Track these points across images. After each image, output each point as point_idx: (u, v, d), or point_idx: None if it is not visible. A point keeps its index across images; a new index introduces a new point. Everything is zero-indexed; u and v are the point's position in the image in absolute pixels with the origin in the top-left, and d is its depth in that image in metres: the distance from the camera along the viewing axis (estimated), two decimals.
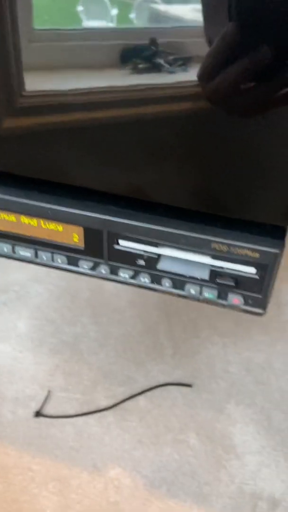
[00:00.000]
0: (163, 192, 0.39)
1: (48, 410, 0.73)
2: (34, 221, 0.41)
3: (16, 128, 0.40)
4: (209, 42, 0.34)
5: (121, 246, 0.41)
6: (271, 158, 0.36)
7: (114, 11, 0.38)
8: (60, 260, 0.44)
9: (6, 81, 0.41)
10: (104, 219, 0.39)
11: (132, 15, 0.37)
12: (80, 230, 0.40)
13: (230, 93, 0.34)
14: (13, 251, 0.44)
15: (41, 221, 0.41)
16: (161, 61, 0.37)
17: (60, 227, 0.41)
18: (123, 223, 0.39)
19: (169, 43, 0.37)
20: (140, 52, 0.38)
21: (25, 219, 0.41)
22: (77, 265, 0.44)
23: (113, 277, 0.43)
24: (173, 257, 0.41)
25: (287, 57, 0.31)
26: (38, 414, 0.72)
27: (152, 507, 0.62)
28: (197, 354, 0.83)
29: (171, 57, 0.37)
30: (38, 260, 0.44)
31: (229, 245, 0.38)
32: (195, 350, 0.83)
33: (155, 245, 0.40)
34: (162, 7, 0.35)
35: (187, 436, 0.69)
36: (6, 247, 0.44)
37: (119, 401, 0.74)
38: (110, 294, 0.95)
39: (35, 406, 0.73)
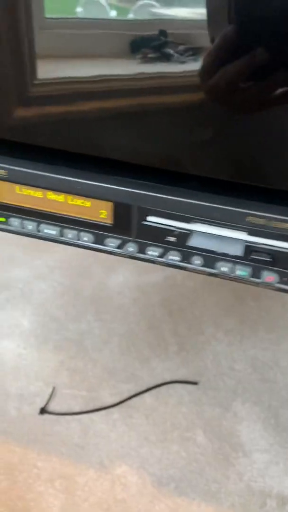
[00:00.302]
0: (197, 163, 0.38)
1: (53, 407, 0.72)
2: (61, 197, 0.40)
3: (42, 99, 0.40)
4: (212, 41, 0.34)
5: (151, 222, 0.40)
6: None
7: (113, 13, 0.38)
8: (86, 238, 0.42)
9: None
10: (135, 193, 0.38)
11: (130, 15, 0.37)
12: (109, 205, 0.39)
13: (228, 90, 0.35)
14: (38, 230, 0.43)
15: (68, 197, 0.40)
16: (171, 51, 0.37)
17: (87, 203, 0.40)
18: (154, 196, 0.38)
19: (178, 34, 0.37)
20: (149, 42, 0.37)
21: (51, 195, 0.40)
22: (103, 244, 0.42)
23: (141, 255, 0.42)
24: (205, 233, 0.40)
25: (282, 58, 0.32)
26: (43, 411, 0.71)
27: (160, 505, 0.61)
28: (202, 351, 0.82)
29: (181, 47, 0.37)
30: (63, 239, 0.43)
31: (267, 218, 0.37)
32: (200, 347, 0.83)
33: (187, 220, 0.39)
34: (161, 11, 0.36)
35: (194, 434, 0.69)
36: (31, 225, 0.43)
37: (125, 398, 0.73)
38: (114, 292, 0.94)
39: (40, 403, 0.72)
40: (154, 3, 0.36)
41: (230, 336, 0.85)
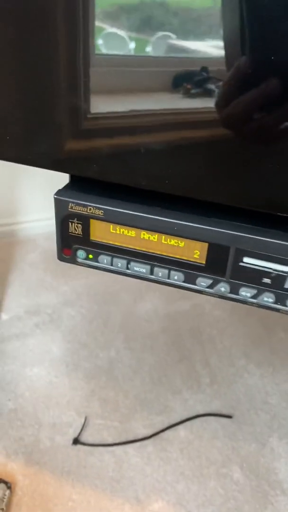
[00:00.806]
0: None
1: (86, 437, 0.71)
2: (154, 237, 0.40)
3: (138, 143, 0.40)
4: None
5: (248, 263, 0.40)
6: None
7: (132, 45, 0.39)
8: (176, 277, 0.42)
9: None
10: (235, 235, 0.38)
11: (148, 49, 0.38)
12: (204, 246, 0.39)
13: (242, 120, 0.36)
14: (127, 267, 0.43)
15: (162, 237, 0.40)
16: (212, 86, 0.38)
17: (181, 243, 0.40)
18: (255, 239, 0.38)
19: (219, 70, 0.37)
20: (192, 77, 0.38)
21: (145, 235, 0.40)
22: (194, 283, 0.42)
23: (233, 295, 0.41)
24: None
25: None
26: (76, 441, 0.70)
27: None
28: (234, 383, 0.81)
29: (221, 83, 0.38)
30: (153, 277, 0.43)
31: None
32: (231, 379, 0.82)
33: (286, 263, 0.39)
34: (178, 42, 0.36)
35: (231, 470, 0.68)
36: (120, 263, 0.43)
37: (158, 430, 0.72)
38: (142, 320, 0.94)
39: (73, 433, 0.71)
40: (171, 34, 0.37)
41: (262, 368, 0.84)
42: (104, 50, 0.40)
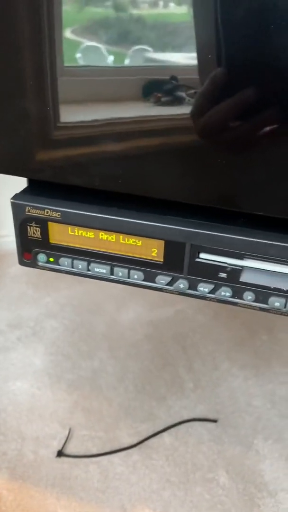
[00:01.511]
0: (249, 201, 0.39)
1: (70, 449, 0.70)
2: (112, 237, 0.41)
3: (77, 140, 0.40)
4: (202, 83, 0.36)
5: (203, 259, 0.40)
6: None
7: (111, 58, 0.39)
8: (136, 276, 0.43)
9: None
10: (189, 231, 0.39)
11: (126, 61, 0.39)
12: (161, 244, 0.40)
13: (218, 130, 0.36)
14: (88, 269, 0.43)
15: (120, 236, 0.41)
16: (183, 94, 0.39)
17: (139, 242, 0.40)
18: (209, 234, 0.39)
19: (188, 78, 0.38)
20: (162, 86, 0.39)
21: (103, 235, 0.41)
22: (153, 281, 0.43)
23: (191, 292, 0.42)
24: (258, 268, 0.40)
25: (269, 99, 0.34)
26: (60, 453, 0.70)
27: None
28: (218, 387, 0.81)
29: (191, 91, 0.38)
30: (113, 277, 0.43)
31: None
32: (215, 383, 0.82)
33: (240, 257, 0.40)
34: (155, 55, 0.37)
35: (217, 474, 0.67)
36: (81, 265, 0.43)
37: (143, 438, 0.72)
38: (125, 328, 0.93)
39: (57, 446, 0.71)
40: (147, 48, 0.38)
41: (245, 371, 0.84)
42: (80, 62, 0.40)
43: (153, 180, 0.39)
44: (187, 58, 0.37)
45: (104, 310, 0.98)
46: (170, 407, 0.77)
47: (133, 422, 0.75)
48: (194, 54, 0.36)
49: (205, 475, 0.67)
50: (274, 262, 0.39)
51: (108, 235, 0.41)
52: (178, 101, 0.38)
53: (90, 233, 0.41)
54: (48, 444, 0.71)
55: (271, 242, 0.38)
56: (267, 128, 0.36)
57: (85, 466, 0.68)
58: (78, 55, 0.40)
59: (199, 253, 0.40)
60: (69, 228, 0.41)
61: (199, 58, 0.36)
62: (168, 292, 0.43)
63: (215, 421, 0.74)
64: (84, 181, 0.41)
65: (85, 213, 0.40)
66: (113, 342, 0.90)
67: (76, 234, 0.41)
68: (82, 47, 0.40)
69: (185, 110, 0.38)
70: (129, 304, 0.99)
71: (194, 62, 0.36)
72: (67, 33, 0.40)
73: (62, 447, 0.70)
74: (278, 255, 0.38)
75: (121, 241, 0.41)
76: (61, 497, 0.64)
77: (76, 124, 0.42)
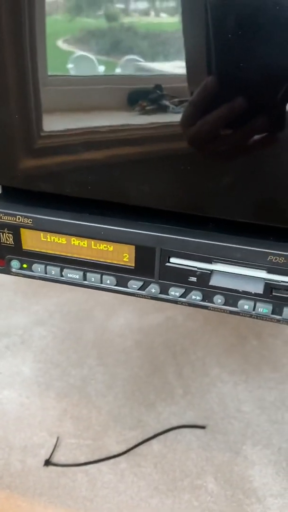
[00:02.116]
0: (217, 206, 0.39)
1: (58, 458, 0.70)
2: (84, 242, 0.41)
3: (57, 149, 0.41)
4: (191, 93, 0.37)
5: (173, 263, 0.41)
6: None
7: (101, 68, 0.40)
8: (109, 281, 0.43)
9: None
10: (158, 236, 0.40)
11: (118, 70, 0.39)
12: (132, 249, 0.40)
13: (208, 138, 0.37)
14: (61, 274, 0.44)
15: (92, 242, 0.41)
16: (167, 102, 0.39)
17: (110, 247, 0.41)
18: (178, 239, 0.39)
19: (172, 87, 0.38)
20: (146, 95, 0.39)
21: (75, 241, 0.41)
22: (126, 286, 0.43)
23: (163, 296, 0.43)
24: (226, 272, 0.41)
25: (260, 107, 0.34)
26: (48, 462, 0.69)
27: None
28: (207, 393, 0.81)
29: (176, 99, 0.39)
30: (86, 283, 0.44)
31: (286, 257, 0.38)
32: (205, 389, 0.81)
33: (209, 261, 0.40)
34: (146, 65, 0.38)
35: (205, 481, 0.67)
36: (54, 270, 0.43)
37: (132, 446, 0.71)
38: (115, 335, 0.93)
39: (44, 454, 0.70)
40: (138, 58, 0.38)
41: (235, 376, 0.84)
42: (68, 71, 0.41)
43: (126, 187, 0.40)
44: (176, 67, 0.37)
45: (94, 317, 0.97)
46: (160, 414, 0.77)
47: (122, 430, 0.74)
48: (183, 63, 0.36)
49: (194, 482, 0.67)
50: (242, 266, 0.40)
51: (80, 241, 0.41)
52: (163, 110, 0.39)
53: (62, 239, 0.41)
54: (36, 453, 0.70)
55: (237, 246, 0.39)
56: (253, 136, 0.36)
57: (73, 474, 0.68)
58: (69, 65, 0.41)
59: (169, 257, 0.41)
60: (42, 234, 0.41)
61: (188, 67, 0.36)
62: (140, 297, 0.44)
63: (203, 427, 0.74)
64: (58, 188, 0.41)
65: (56, 219, 0.41)
66: (103, 349, 0.89)
67: (49, 240, 0.42)
68: (72, 57, 0.40)
69: (168, 118, 0.39)
70: (119, 311, 0.99)
71: (183, 71, 0.36)
72: (55, 42, 0.40)
73: (50, 456, 0.70)
74: (245, 258, 0.39)
75: (93, 246, 0.41)
76: (48, 506, 0.64)
77: (56, 133, 0.42)
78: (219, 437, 0.73)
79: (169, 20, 0.36)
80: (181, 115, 0.38)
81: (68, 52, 0.40)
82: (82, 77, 0.42)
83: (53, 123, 0.43)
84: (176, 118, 0.38)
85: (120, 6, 0.37)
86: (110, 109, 0.41)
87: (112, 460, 0.70)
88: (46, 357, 0.87)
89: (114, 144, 0.40)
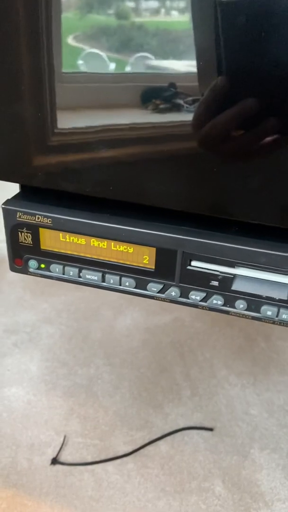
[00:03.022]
0: (242, 209, 0.39)
1: (65, 457, 0.70)
2: (104, 243, 0.41)
3: (75, 147, 0.40)
4: (202, 94, 0.36)
5: (195, 266, 0.40)
6: None
7: (112, 65, 0.39)
8: (128, 283, 0.42)
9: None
10: (181, 239, 0.39)
11: (127, 68, 0.38)
12: (152, 251, 0.40)
13: (220, 139, 0.36)
14: (79, 275, 0.43)
15: (112, 243, 0.41)
16: (181, 101, 0.38)
17: (130, 249, 0.40)
18: (200, 242, 0.38)
19: (187, 86, 0.38)
20: (160, 93, 0.39)
21: (95, 242, 0.40)
22: (145, 288, 0.42)
23: (183, 299, 0.42)
24: (249, 277, 0.40)
25: (272, 107, 0.33)
26: (54, 461, 0.69)
27: None
28: (215, 395, 0.80)
29: (190, 98, 0.38)
30: (105, 284, 0.43)
31: None
32: (213, 391, 0.81)
33: (231, 265, 0.39)
34: (156, 62, 0.37)
35: (212, 484, 0.66)
36: (72, 271, 0.43)
37: (139, 446, 0.71)
38: (122, 335, 0.93)
39: (51, 453, 0.70)
40: (149, 55, 0.38)
41: (243, 379, 0.84)
42: (81, 69, 0.40)
43: (147, 187, 0.39)
44: (187, 65, 0.37)
45: (102, 317, 0.97)
46: (167, 415, 0.76)
47: (129, 430, 0.74)
48: (194, 62, 0.36)
49: (201, 484, 0.66)
50: (266, 271, 0.39)
51: (99, 242, 0.40)
52: (176, 109, 0.38)
53: (81, 240, 0.41)
54: (43, 451, 0.70)
55: (261, 250, 0.38)
56: (268, 138, 0.35)
57: (80, 474, 0.67)
58: (79, 61, 0.40)
59: (190, 260, 0.40)
60: (61, 235, 0.41)
61: (199, 66, 0.36)
62: (160, 300, 0.43)
63: (211, 429, 0.74)
64: (77, 187, 0.40)
65: (76, 219, 0.40)
66: (110, 349, 0.89)
67: (68, 240, 0.41)
68: (83, 54, 0.40)
69: (183, 117, 0.38)
70: (127, 311, 0.99)
71: (194, 70, 0.36)
72: (67, 39, 0.40)
73: (57, 455, 0.70)
74: (269, 263, 0.38)
75: (112, 248, 0.41)
76: (54, 506, 0.63)
77: (72, 131, 0.42)
78: (226, 439, 0.73)
79: (180, 18, 0.35)
80: (193, 116, 0.37)
81: (79, 49, 0.40)
82: (96, 75, 0.41)
83: (67, 121, 0.43)
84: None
85: (130, 4, 0.36)
86: (124, 107, 0.41)
87: (118, 461, 0.69)
88: (54, 355, 0.87)
89: (131, 143, 0.39)
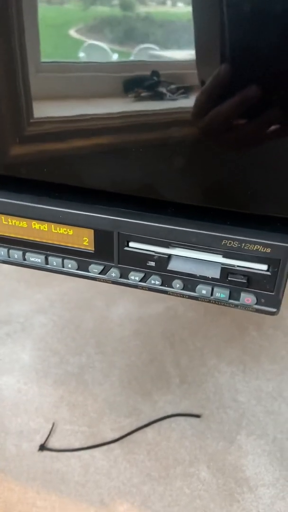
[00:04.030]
0: (172, 190, 0.40)
1: (53, 443, 0.71)
2: (45, 226, 0.42)
3: (37, 137, 0.41)
4: (201, 83, 0.35)
5: (132, 247, 0.41)
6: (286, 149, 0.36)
7: (115, 56, 0.39)
8: (70, 265, 0.43)
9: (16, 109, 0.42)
10: (115, 220, 0.40)
11: (131, 58, 0.38)
12: (91, 233, 0.41)
13: (222, 129, 0.36)
14: (24, 258, 0.44)
15: (52, 226, 0.41)
16: (163, 90, 0.38)
17: (70, 231, 0.41)
18: (134, 223, 0.39)
19: (170, 74, 0.38)
20: (142, 82, 0.39)
21: (36, 224, 0.41)
22: (87, 270, 0.43)
23: (123, 280, 0.43)
24: (183, 256, 0.41)
25: (275, 96, 0.33)
26: (42, 447, 0.70)
27: None
28: (204, 383, 0.81)
29: (173, 86, 0.38)
30: (48, 266, 0.44)
31: (240, 241, 0.38)
32: (202, 379, 0.81)
33: (166, 245, 0.40)
34: (161, 53, 0.37)
35: (198, 469, 0.67)
36: (16, 254, 0.44)
37: (126, 433, 0.72)
38: (114, 324, 0.94)
39: (39, 440, 0.71)
40: (153, 46, 0.37)
41: (233, 367, 0.84)
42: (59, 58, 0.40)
43: (92, 172, 0.40)
44: (186, 54, 0.36)
45: (94, 307, 0.98)
46: (155, 402, 0.77)
47: (117, 417, 0.75)
48: (193, 51, 0.35)
49: (186, 469, 0.67)
50: (199, 250, 0.40)
51: (40, 224, 0.41)
52: (159, 97, 0.38)
53: (23, 223, 0.42)
54: (32, 438, 0.71)
55: (193, 230, 0.39)
56: (269, 127, 0.35)
57: (67, 460, 0.68)
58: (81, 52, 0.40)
59: (128, 242, 0.41)
60: (2, 218, 0.42)
61: (199, 54, 0.35)
62: (101, 281, 0.44)
63: (198, 416, 0.74)
64: (29, 174, 0.41)
65: (16, 202, 0.41)
66: (102, 338, 0.90)
67: (10, 223, 0.42)
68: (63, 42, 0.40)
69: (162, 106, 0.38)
70: (119, 301, 0.99)
71: (193, 58, 0.36)
72: (43, 29, 0.40)
73: (45, 441, 0.71)
74: (201, 242, 0.39)
75: (53, 230, 0.41)
76: (41, 490, 0.64)
77: (54, 119, 0.42)
78: (213, 426, 0.73)
79: (180, 3, 0.35)
80: (193, 105, 0.37)
81: (59, 37, 0.40)
82: (75, 64, 0.41)
83: (46, 110, 0.43)
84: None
85: None
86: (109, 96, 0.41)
87: (106, 447, 0.70)
88: (46, 345, 0.88)
89: (85, 134, 0.40)
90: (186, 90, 0.37)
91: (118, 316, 0.95)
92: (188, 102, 0.37)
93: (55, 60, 0.43)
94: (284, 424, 0.73)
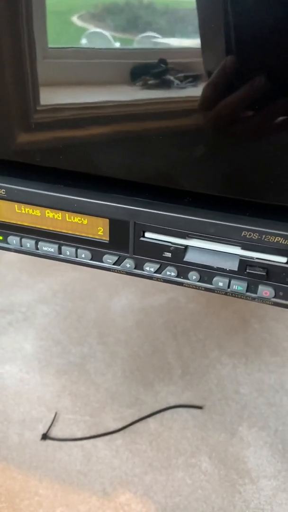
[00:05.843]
0: (192, 180, 0.39)
1: (55, 432, 0.71)
2: (59, 215, 0.41)
3: (45, 124, 0.40)
4: (208, 74, 0.35)
5: (147, 238, 0.40)
6: None
7: (117, 44, 0.39)
8: (84, 255, 0.43)
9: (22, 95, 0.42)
10: (131, 209, 0.39)
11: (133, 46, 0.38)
12: (106, 222, 0.40)
13: (230, 120, 0.35)
14: (37, 247, 0.43)
15: (66, 215, 0.41)
16: (171, 77, 0.38)
17: (85, 220, 0.40)
18: (151, 213, 0.38)
19: (178, 62, 0.37)
20: (150, 69, 0.38)
21: (49, 213, 0.41)
22: (101, 260, 0.43)
23: (138, 271, 0.42)
24: (201, 248, 0.40)
25: (284, 86, 0.33)
26: (45, 436, 0.70)
27: None
28: (206, 374, 0.81)
29: (181, 74, 0.38)
30: (61, 256, 0.43)
31: (260, 232, 0.37)
32: (204, 370, 0.82)
33: (183, 236, 0.39)
34: (163, 41, 0.36)
35: (199, 460, 0.67)
36: (29, 243, 0.43)
37: (128, 423, 0.72)
38: (117, 315, 0.93)
39: (42, 429, 0.71)
40: (156, 34, 0.37)
41: (235, 359, 0.84)
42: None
43: (106, 159, 0.39)
44: (191, 44, 0.36)
45: (97, 297, 0.98)
46: (157, 393, 0.77)
47: (119, 407, 0.75)
48: (198, 40, 0.35)
49: (188, 460, 0.67)
50: (216, 242, 0.39)
51: (54, 213, 0.41)
52: (167, 85, 0.38)
53: (36, 211, 0.41)
54: (34, 427, 0.71)
55: (212, 221, 0.38)
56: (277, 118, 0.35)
57: (69, 449, 0.69)
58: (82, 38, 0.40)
59: (143, 232, 0.40)
60: (16, 206, 0.41)
61: (205, 45, 0.35)
62: (116, 272, 0.43)
63: (200, 407, 0.74)
64: (46, 160, 0.40)
65: (29, 189, 0.40)
66: (104, 329, 0.90)
67: (23, 212, 0.41)
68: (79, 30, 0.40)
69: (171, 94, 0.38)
70: (122, 292, 0.99)
71: (199, 47, 0.35)
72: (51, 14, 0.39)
73: (47, 430, 0.71)
74: (219, 234, 0.38)
75: (67, 219, 0.41)
76: (43, 479, 0.65)
77: (53, 107, 0.42)
78: (215, 417, 0.73)
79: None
80: (200, 97, 0.36)
81: (67, 23, 0.39)
82: (83, 50, 0.41)
83: (53, 97, 0.42)
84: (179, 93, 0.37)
85: None
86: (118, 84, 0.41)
87: (108, 437, 0.70)
88: (48, 334, 0.88)
89: (95, 121, 0.39)
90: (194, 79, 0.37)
91: (121, 307, 0.95)
92: (197, 91, 0.36)
93: (62, 46, 0.42)
94: (286, 416, 0.73)
